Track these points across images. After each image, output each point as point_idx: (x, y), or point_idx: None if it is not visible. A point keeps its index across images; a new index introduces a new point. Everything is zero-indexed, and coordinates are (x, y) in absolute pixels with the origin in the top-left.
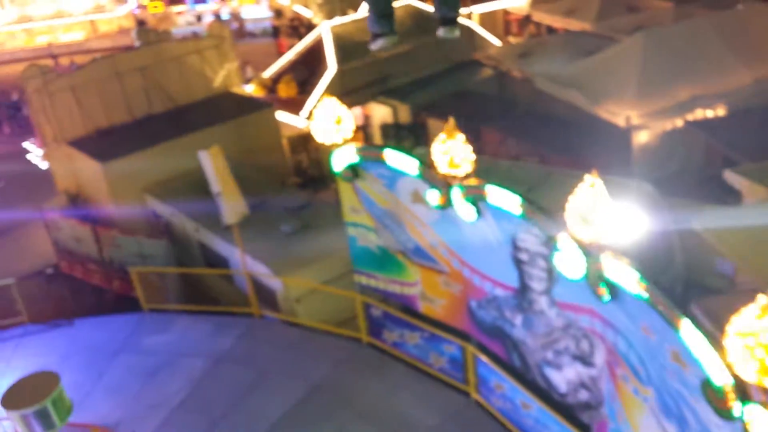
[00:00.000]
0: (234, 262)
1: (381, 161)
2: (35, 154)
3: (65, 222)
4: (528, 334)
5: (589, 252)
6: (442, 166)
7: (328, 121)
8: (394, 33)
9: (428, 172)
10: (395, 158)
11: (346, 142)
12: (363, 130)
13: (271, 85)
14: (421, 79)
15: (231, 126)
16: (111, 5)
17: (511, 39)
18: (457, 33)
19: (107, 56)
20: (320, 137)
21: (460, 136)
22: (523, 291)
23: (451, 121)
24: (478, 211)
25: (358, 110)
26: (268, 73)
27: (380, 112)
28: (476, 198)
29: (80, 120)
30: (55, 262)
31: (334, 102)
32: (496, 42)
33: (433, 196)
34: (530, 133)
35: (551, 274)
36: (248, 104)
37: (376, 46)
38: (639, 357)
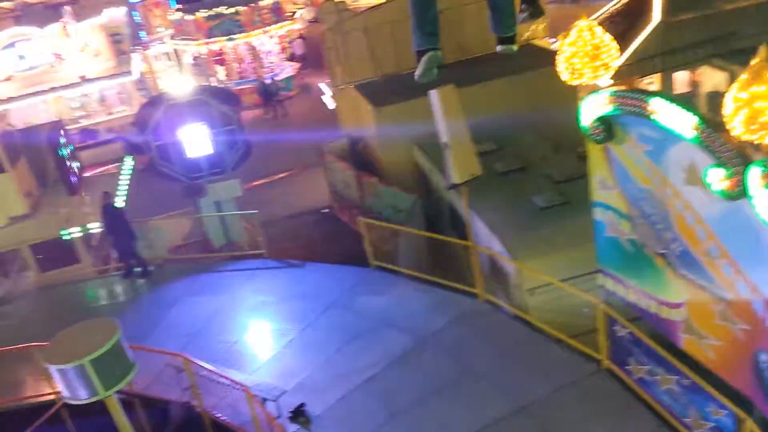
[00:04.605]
0: (475, 232)
1: (645, 115)
2: (327, 94)
3: (338, 165)
4: None
5: None
6: (737, 128)
7: (581, 54)
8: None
9: (713, 137)
10: (666, 111)
11: (600, 83)
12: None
13: None
14: None
15: (520, 80)
16: None
17: None
18: (515, 48)
19: None
20: (566, 75)
21: None
22: None
23: (764, 51)
24: None
25: (684, 75)
26: None
27: (713, 79)
28: None
29: (369, 63)
30: (330, 203)
31: (593, 28)
32: None
33: (717, 176)
34: None
35: None
36: (546, 58)
37: (418, 72)
38: None
